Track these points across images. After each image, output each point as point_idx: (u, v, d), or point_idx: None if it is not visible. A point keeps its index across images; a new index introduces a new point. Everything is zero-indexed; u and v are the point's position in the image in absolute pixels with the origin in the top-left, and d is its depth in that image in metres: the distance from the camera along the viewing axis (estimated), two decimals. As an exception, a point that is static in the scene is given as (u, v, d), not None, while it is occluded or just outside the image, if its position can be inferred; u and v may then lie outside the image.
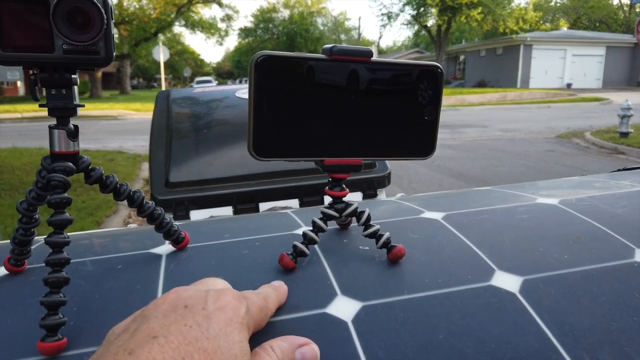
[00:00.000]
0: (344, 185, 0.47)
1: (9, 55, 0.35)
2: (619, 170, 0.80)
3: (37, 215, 0.42)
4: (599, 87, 27.97)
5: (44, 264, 0.46)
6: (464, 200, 0.62)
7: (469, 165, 6.42)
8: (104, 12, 0.36)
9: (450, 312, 0.39)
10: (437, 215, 0.56)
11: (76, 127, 0.40)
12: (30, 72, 0.38)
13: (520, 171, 6.06)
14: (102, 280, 0.44)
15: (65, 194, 0.37)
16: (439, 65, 0.46)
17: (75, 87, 0.39)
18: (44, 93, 0.39)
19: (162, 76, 20.43)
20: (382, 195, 1.13)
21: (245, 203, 1.03)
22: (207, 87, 1.34)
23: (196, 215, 1.01)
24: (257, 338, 0.35)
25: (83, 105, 0.40)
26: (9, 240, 0.44)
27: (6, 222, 3.82)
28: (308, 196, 1.06)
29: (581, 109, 15.05)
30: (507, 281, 0.43)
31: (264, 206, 1.04)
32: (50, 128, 0.39)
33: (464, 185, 5.37)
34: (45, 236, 0.38)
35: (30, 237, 0.43)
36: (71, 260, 0.45)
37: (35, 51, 0.36)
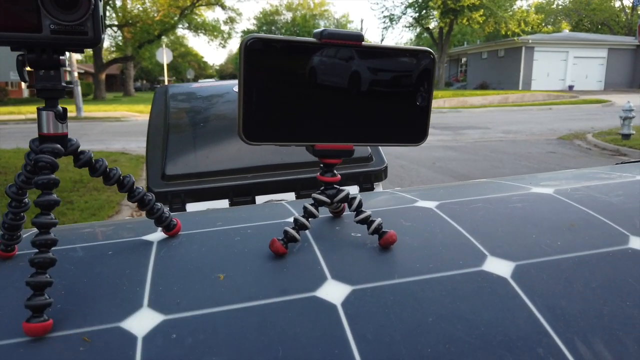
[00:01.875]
0: (335, 171, 0.47)
1: None
2: (618, 163, 0.80)
3: (26, 199, 0.42)
4: (601, 89, 27.92)
5: (34, 250, 0.46)
6: (459, 190, 0.62)
7: (470, 167, 6.41)
8: None
9: (441, 296, 0.39)
10: (430, 205, 0.55)
11: (64, 109, 0.39)
12: (18, 53, 0.38)
13: (522, 172, 6.04)
14: (91, 265, 0.43)
15: (53, 175, 0.37)
16: (431, 50, 0.46)
17: (63, 69, 0.39)
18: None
19: (166, 78, 20.47)
20: (379, 189, 1.13)
21: (241, 196, 1.03)
22: (206, 83, 1.34)
23: (192, 208, 1.01)
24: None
25: (72, 86, 0.40)
26: None
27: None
28: (305, 189, 1.05)
29: (583, 111, 15.02)
30: (499, 266, 0.42)
31: (260, 199, 1.04)
32: (39, 110, 0.39)
33: (466, 186, 5.34)
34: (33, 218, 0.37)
35: (20, 222, 0.43)
36: (62, 247, 0.44)
37: (23, 31, 0.35)
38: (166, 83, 21.12)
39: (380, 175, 1.10)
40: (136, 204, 0.46)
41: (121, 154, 7.16)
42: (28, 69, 0.38)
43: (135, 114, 15.57)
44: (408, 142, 0.48)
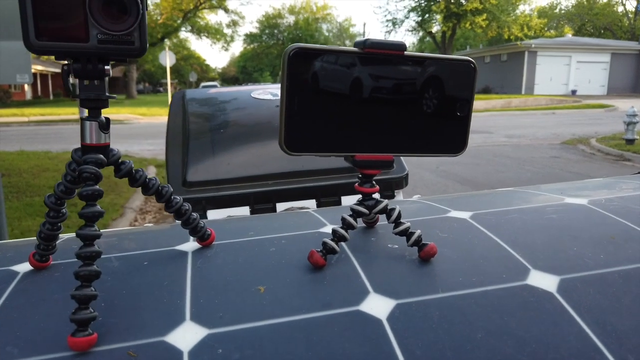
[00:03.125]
0: (374, 182, 0.46)
1: (43, 44, 0.35)
2: (639, 172, 0.79)
3: (64, 210, 0.42)
4: (604, 93, 27.93)
5: (67, 260, 0.46)
6: (490, 200, 0.61)
7: (474, 171, 6.40)
8: (139, 1, 0.35)
9: (487, 312, 0.38)
10: (464, 215, 0.55)
11: (107, 119, 0.39)
12: (63, 62, 0.37)
13: (526, 177, 6.04)
14: (128, 276, 0.43)
15: (97, 186, 0.37)
16: (473, 60, 0.45)
17: (107, 79, 0.38)
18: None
19: (168, 81, 20.52)
20: (399, 196, 1.12)
21: (262, 203, 1.02)
22: (223, 88, 1.33)
23: (213, 215, 1.00)
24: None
25: (115, 97, 0.39)
26: (28, 239, 0.43)
27: (13, 224, 3.82)
28: (325, 197, 1.05)
29: (586, 115, 15.01)
30: (544, 280, 0.42)
31: (281, 206, 1.03)
32: (82, 119, 0.38)
33: (470, 191, 5.35)
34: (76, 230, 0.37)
35: (57, 232, 0.42)
36: None
37: (70, 41, 0.35)
38: (169, 86, 21.16)
39: (401, 182, 1.10)
40: (172, 213, 0.45)
41: (124, 156, 7.15)
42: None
43: (138, 117, 15.60)
44: (447, 152, 0.47)
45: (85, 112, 0.38)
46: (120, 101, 25.35)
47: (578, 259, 0.44)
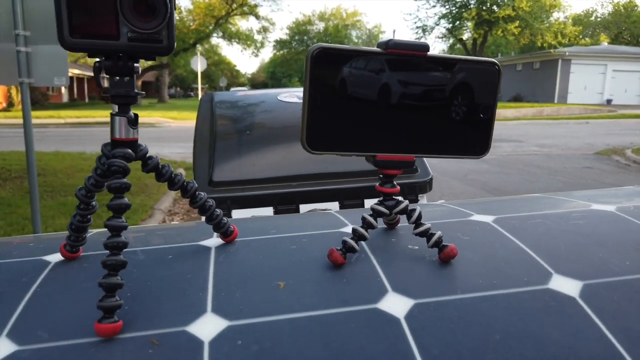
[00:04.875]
0: (395, 182, 0.47)
1: (76, 42, 0.36)
2: None
3: (94, 202, 0.43)
4: (641, 103, 27.07)
5: (96, 252, 0.47)
6: (514, 205, 0.60)
7: (503, 180, 6.29)
8: (168, 1, 0.37)
9: (507, 314, 0.38)
10: (487, 219, 0.54)
11: (136, 115, 0.40)
12: (95, 59, 0.39)
13: (557, 187, 5.90)
14: (153, 269, 0.44)
15: (125, 180, 0.38)
16: (496, 61, 0.45)
17: (135, 76, 0.40)
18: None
19: (199, 86, 20.88)
20: (423, 200, 1.12)
21: (285, 204, 1.03)
22: (251, 91, 1.36)
23: (237, 214, 1.02)
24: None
25: (144, 94, 0.41)
26: (60, 232, 0.45)
27: (47, 222, 3.94)
28: (348, 199, 1.05)
29: (621, 125, 14.59)
30: (566, 285, 0.41)
31: (304, 208, 1.04)
32: (112, 115, 0.40)
33: (499, 200, 5.25)
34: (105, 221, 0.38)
35: (87, 224, 0.44)
36: (124, 250, 0.45)
37: (102, 38, 0.37)
38: (200, 90, 21.52)
39: (425, 187, 1.09)
40: (197, 209, 0.46)
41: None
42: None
43: (168, 120, 15.91)
44: (470, 154, 0.47)
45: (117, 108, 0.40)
46: (152, 105, 25.91)
47: (602, 265, 0.44)
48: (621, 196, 0.63)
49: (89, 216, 0.44)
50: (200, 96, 22.49)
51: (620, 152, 8.77)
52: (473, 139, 0.46)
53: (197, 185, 0.46)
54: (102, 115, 16.57)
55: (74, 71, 25.61)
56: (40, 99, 22.56)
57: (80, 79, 31.15)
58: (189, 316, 0.37)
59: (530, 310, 0.38)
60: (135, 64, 0.39)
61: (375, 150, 0.44)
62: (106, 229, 0.39)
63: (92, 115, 16.86)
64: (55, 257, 0.46)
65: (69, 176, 5.94)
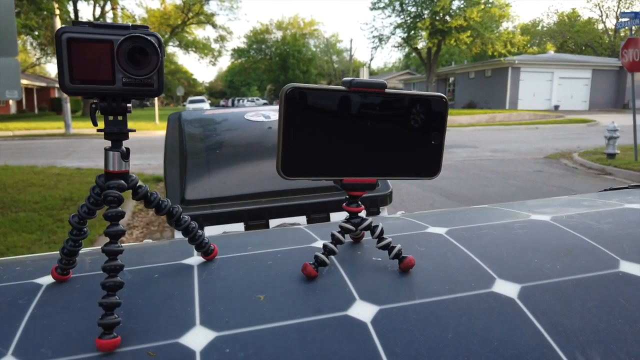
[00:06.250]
0: (359, 202, 0.52)
1: (75, 87, 0.40)
2: (606, 190, 0.86)
3: (85, 228, 0.47)
4: (586, 109, 28.47)
5: (85, 274, 0.51)
6: (465, 216, 0.68)
7: (459, 185, 6.51)
8: (159, 50, 0.41)
9: (457, 315, 0.44)
10: (440, 230, 0.61)
11: (128, 149, 0.45)
12: (91, 101, 0.43)
13: (510, 191, 6.16)
14: (142, 287, 0.48)
15: (120, 208, 0.42)
16: (444, 96, 0.52)
17: (127, 115, 0.44)
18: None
19: (155, 95, 20.47)
20: (384, 212, 1.18)
21: (256, 219, 1.08)
22: (217, 110, 1.40)
23: (209, 231, 1.06)
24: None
25: (134, 130, 0.45)
26: (45, 254, 0.48)
27: None
28: (315, 213, 1.11)
29: (568, 130, 15.32)
30: (507, 288, 0.48)
31: (273, 223, 1.09)
32: (106, 150, 0.44)
33: (455, 204, 5.44)
34: (102, 246, 0.42)
35: (78, 248, 0.47)
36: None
37: (99, 84, 0.41)
38: (156, 100, 21.13)
39: (386, 199, 1.16)
40: (181, 231, 0.51)
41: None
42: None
43: (125, 131, 15.49)
44: (424, 175, 0.53)
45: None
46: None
47: (537, 269, 0.51)
48: (556, 206, 0.71)
49: (80, 241, 0.47)
50: (157, 106, 22.06)
51: (568, 156, 9.22)
52: (426, 162, 0.53)
53: (181, 210, 0.50)
54: (53, 126, 16.01)
55: (23, 82, 24.68)
56: (-14, 110, 21.61)
57: (29, 90, 29.99)
58: (180, 329, 0.42)
59: (477, 311, 0.45)
60: (128, 105, 0.43)
61: (342, 175, 0.50)
62: (90, 250, 0.43)
63: (42, 127, 16.27)
64: (46, 280, 0.50)
65: (20, 191, 5.74)
